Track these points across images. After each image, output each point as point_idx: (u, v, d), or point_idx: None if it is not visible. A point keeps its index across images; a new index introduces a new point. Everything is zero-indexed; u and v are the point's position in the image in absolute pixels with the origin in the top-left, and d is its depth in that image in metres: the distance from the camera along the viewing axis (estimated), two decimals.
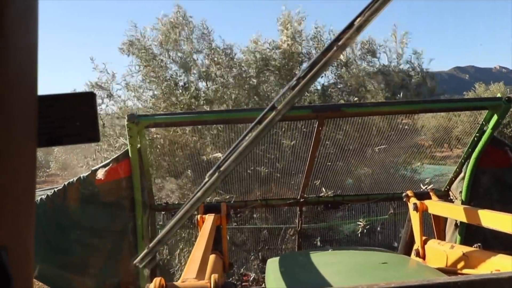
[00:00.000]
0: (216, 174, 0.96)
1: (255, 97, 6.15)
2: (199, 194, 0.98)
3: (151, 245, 1.16)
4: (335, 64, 6.41)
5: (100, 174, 3.09)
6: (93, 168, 3.20)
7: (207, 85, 6.30)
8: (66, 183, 3.00)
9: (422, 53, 6.93)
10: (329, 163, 4.44)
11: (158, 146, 5.40)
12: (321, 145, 4.03)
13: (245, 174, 4.81)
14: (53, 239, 2.83)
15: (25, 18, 0.59)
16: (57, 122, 0.82)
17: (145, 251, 1.17)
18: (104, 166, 3.17)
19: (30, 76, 0.63)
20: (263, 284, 4.60)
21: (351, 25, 0.99)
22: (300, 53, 6.47)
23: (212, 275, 1.47)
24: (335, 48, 0.95)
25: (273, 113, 0.93)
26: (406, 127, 5.02)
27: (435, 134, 5.92)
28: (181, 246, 5.89)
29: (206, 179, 1.00)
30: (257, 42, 6.58)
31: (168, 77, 6.32)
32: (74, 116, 0.83)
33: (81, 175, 3.10)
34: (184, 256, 5.85)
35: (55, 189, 2.92)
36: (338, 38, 0.95)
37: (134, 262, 1.22)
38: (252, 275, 5.68)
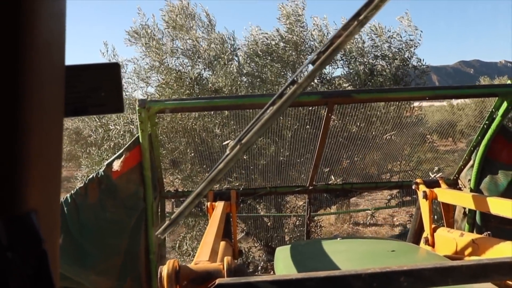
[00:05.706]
0: (238, 146, 0.98)
1: (258, 84, 6.11)
2: (221, 165, 0.99)
3: (173, 216, 1.17)
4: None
5: (116, 166, 3.02)
6: (107, 162, 3.12)
7: (213, 73, 6.25)
8: (86, 180, 2.95)
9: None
10: (338, 151, 4.43)
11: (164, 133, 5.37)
12: (330, 133, 4.01)
13: (254, 162, 4.82)
14: (78, 238, 2.78)
15: None
16: (83, 92, 0.82)
17: (167, 222, 1.18)
18: (118, 157, 3.11)
19: (59, 44, 0.63)
20: (272, 272, 4.62)
21: None
22: (302, 42, 6.37)
23: (225, 258, 1.46)
24: (356, 22, 0.95)
25: (295, 86, 0.93)
26: (411, 119, 5.00)
27: (439, 128, 5.91)
28: (188, 235, 5.93)
29: (228, 152, 1.00)
30: (254, 33, 6.46)
31: (174, 66, 6.28)
32: (100, 87, 0.83)
33: (99, 170, 3.05)
34: (191, 245, 5.88)
35: (77, 188, 2.87)
36: (359, 13, 0.95)
37: (156, 233, 1.23)
38: (260, 264, 5.71)
